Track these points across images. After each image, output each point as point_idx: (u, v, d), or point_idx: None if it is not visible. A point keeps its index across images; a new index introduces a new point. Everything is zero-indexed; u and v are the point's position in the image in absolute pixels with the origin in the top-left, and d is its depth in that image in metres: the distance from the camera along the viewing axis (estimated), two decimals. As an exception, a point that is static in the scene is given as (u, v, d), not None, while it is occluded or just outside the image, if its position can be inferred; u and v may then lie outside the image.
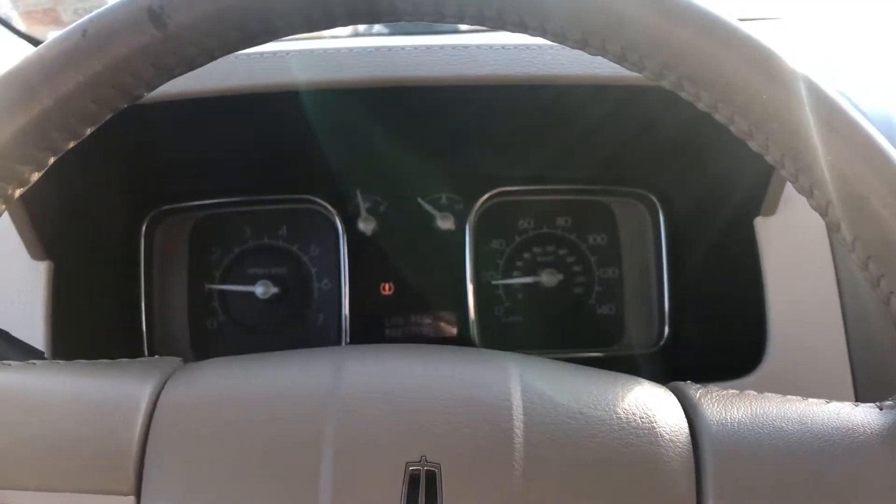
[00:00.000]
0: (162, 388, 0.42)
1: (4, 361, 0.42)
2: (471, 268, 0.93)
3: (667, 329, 0.92)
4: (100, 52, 0.38)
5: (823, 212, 0.39)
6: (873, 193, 0.37)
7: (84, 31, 0.38)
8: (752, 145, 0.41)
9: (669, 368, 0.90)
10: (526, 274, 0.95)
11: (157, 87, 0.41)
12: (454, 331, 0.94)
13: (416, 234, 0.95)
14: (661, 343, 0.92)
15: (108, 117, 0.41)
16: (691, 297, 0.90)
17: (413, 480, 0.38)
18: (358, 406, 0.40)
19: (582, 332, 0.95)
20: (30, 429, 0.39)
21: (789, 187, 0.72)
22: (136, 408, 0.40)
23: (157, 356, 0.46)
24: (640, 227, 0.95)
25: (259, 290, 0.92)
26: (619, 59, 0.41)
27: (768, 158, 0.40)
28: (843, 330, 0.72)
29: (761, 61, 0.38)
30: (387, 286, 0.95)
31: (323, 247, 0.95)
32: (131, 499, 0.38)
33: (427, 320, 0.95)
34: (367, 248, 0.94)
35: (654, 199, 0.93)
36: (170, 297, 0.94)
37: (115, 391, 0.41)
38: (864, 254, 0.39)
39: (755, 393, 0.43)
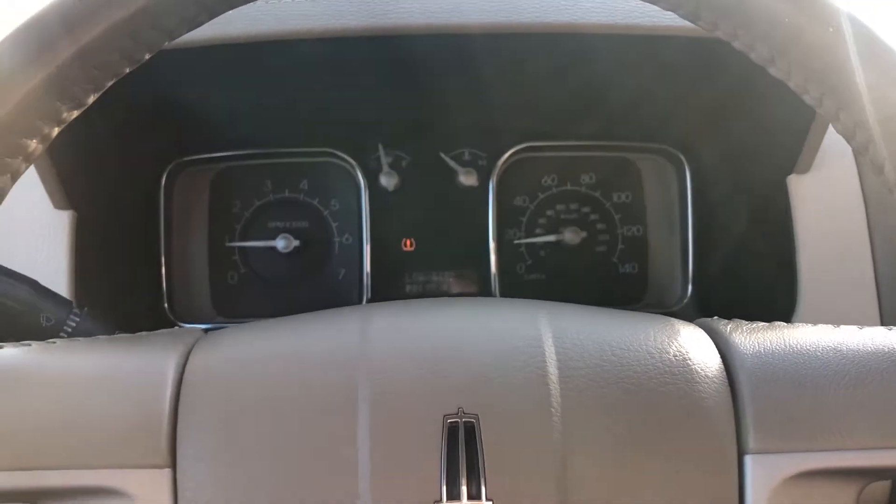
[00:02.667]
0: (187, 358, 0.41)
1: (24, 342, 0.41)
2: (493, 224, 0.92)
3: (690, 288, 0.91)
4: (96, 16, 0.36)
5: (863, 149, 0.38)
6: None
7: None
8: (792, 85, 0.39)
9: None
10: (549, 231, 0.94)
11: (158, 49, 0.40)
12: (475, 288, 0.93)
13: (439, 190, 0.94)
14: (685, 302, 0.92)
15: (109, 84, 0.39)
16: (717, 256, 0.89)
17: (452, 433, 0.38)
18: (390, 363, 0.40)
19: (604, 290, 0.94)
20: (59, 409, 0.38)
21: (825, 145, 0.71)
22: (164, 380, 0.40)
23: (177, 327, 0.46)
24: (666, 184, 0.94)
25: (280, 243, 0.91)
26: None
27: (806, 98, 0.39)
28: (875, 292, 0.71)
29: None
30: (408, 242, 0.94)
31: (344, 201, 0.94)
32: (167, 471, 0.38)
33: (448, 277, 0.94)
34: (388, 204, 0.93)
35: (682, 157, 0.92)
36: (190, 248, 0.93)
37: (140, 365, 0.40)
38: None
39: (785, 324, 0.42)
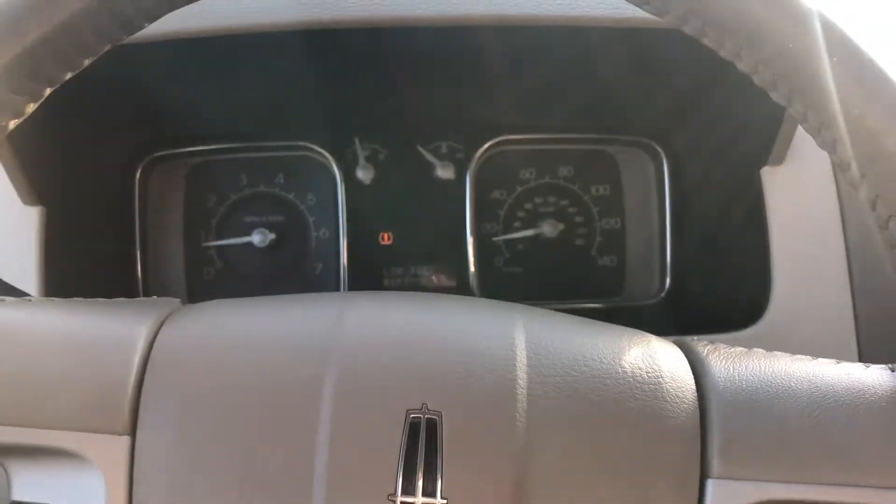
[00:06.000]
0: (160, 327, 0.41)
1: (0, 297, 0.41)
2: (471, 218, 0.92)
3: (668, 280, 0.91)
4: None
5: (846, 167, 0.38)
6: None
7: None
8: (775, 96, 0.39)
9: (670, 320, 0.90)
10: (527, 224, 0.94)
11: (159, 16, 0.39)
12: (453, 282, 0.93)
13: (416, 184, 0.93)
14: (663, 294, 0.92)
15: (106, 48, 0.39)
16: (694, 249, 0.89)
17: (413, 428, 0.37)
18: (360, 351, 0.39)
19: (582, 283, 0.94)
20: (24, 364, 0.38)
21: (798, 138, 0.71)
22: (133, 347, 0.39)
23: (155, 297, 0.46)
24: (644, 177, 0.94)
25: (256, 238, 0.90)
26: (641, 2, 0.39)
27: (791, 110, 0.39)
28: (848, 284, 0.71)
29: (788, 8, 0.36)
30: (385, 236, 0.93)
31: (320, 195, 0.94)
32: (126, 438, 0.37)
33: (426, 271, 0.94)
34: (365, 197, 0.92)
35: (659, 149, 0.91)
36: (165, 245, 0.92)
37: (111, 330, 0.40)
38: (886, 213, 0.37)
39: (763, 351, 0.42)
